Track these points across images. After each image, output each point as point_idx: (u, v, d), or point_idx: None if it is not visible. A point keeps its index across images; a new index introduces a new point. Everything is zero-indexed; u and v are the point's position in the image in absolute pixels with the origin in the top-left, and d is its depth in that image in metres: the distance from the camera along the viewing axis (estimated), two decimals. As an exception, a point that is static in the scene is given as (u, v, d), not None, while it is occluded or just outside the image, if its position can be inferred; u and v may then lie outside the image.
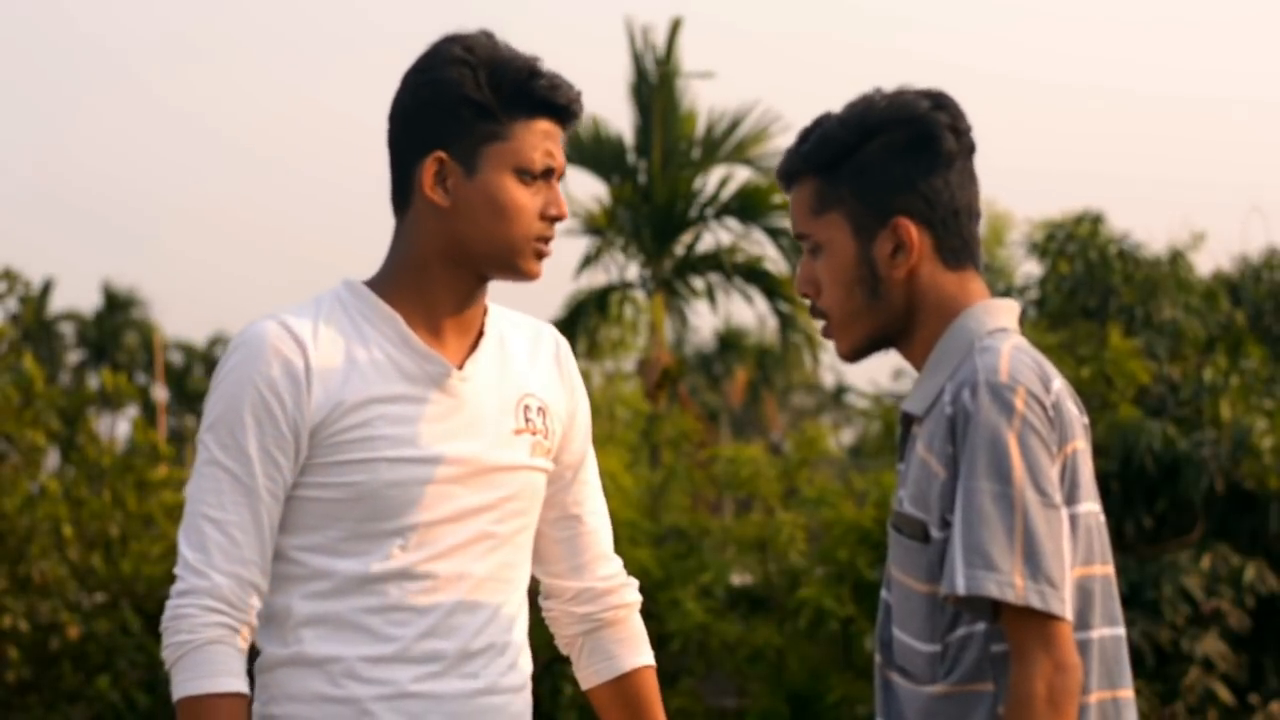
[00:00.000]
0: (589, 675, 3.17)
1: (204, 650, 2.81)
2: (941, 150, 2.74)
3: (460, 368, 2.95)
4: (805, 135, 2.80)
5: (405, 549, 2.88)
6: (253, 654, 2.93)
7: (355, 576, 2.87)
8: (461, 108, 2.91)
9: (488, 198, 2.92)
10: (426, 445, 2.90)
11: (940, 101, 2.76)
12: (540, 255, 2.96)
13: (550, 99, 2.93)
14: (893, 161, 2.74)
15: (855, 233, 2.75)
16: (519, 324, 3.08)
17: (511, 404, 2.98)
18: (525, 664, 3.01)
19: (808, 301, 2.82)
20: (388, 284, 2.96)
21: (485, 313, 3.01)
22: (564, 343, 3.11)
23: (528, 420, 2.99)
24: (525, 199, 2.92)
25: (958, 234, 2.76)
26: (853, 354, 2.80)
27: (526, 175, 2.92)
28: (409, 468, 2.88)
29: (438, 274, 2.94)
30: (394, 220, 2.99)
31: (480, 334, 3.00)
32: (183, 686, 2.81)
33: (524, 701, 3.00)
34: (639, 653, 3.15)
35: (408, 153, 2.94)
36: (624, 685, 3.14)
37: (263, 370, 2.86)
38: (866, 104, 2.77)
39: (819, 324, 2.82)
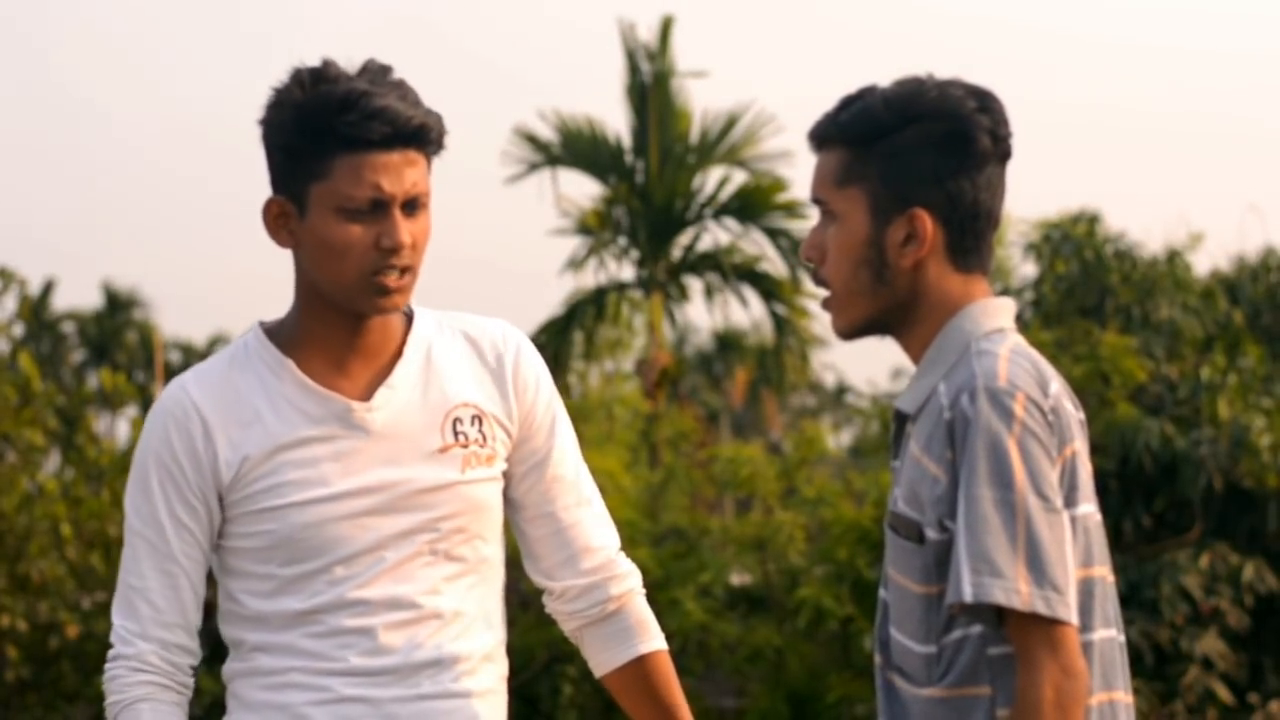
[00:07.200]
0: (594, 668, 3.17)
1: (132, 709, 2.93)
2: (975, 151, 2.72)
3: (369, 398, 2.92)
4: (847, 103, 2.76)
5: (333, 583, 2.91)
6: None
7: (291, 612, 2.92)
8: (280, 151, 2.87)
9: (318, 239, 2.87)
10: (336, 483, 2.91)
11: (986, 104, 2.74)
12: (382, 290, 2.87)
13: (356, 134, 2.80)
14: (925, 152, 2.71)
15: (872, 213, 2.73)
16: (464, 330, 3.02)
17: (438, 421, 2.95)
18: (489, 671, 2.99)
19: (810, 265, 2.80)
20: (289, 323, 2.97)
21: (408, 331, 2.97)
22: (515, 341, 3.04)
23: (457, 434, 2.95)
24: (353, 236, 2.84)
25: (973, 237, 2.74)
26: (849, 332, 2.78)
27: (351, 212, 2.84)
28: (320, 508, 2.90)
29: (319, 312, 2.93)
30: None
31: (399, 355, 2.96)
32: None
33: (487, 707, 2.98)
34: (636, 642, 3.11)
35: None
36: (626, 676, 3.12)
37: (165, 439, 2.93)
38: (915, 88, 2.74)
39: (820, 294, 2.80)
